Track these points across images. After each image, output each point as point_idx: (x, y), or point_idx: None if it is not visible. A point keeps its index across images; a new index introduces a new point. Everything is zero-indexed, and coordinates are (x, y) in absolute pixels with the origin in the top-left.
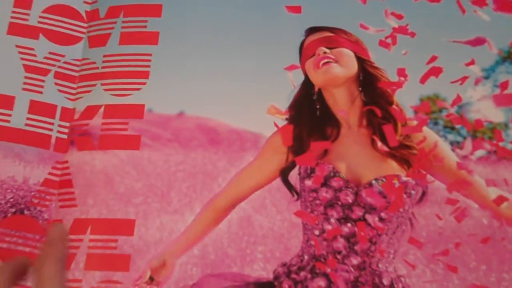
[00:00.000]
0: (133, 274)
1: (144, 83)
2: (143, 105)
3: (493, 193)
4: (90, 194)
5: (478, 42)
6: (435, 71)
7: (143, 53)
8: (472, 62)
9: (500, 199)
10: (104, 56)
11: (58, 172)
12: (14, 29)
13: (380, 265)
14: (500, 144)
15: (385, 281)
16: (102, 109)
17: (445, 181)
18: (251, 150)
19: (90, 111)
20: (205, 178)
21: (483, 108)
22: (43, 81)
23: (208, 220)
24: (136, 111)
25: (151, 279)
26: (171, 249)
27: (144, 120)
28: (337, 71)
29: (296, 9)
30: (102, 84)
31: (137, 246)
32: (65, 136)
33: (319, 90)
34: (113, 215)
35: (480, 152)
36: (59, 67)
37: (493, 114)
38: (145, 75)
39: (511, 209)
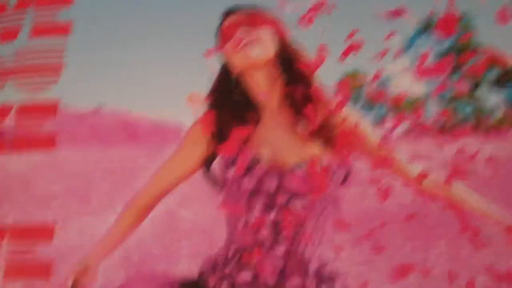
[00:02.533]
0: (56, 280)
1: (57, 78)
2: (58, 101)
3: (416, 169)
4: (6, 199)
5: (398, 13)
6: (355, 47)
7: (56, 45)
8: (391, 35)
9: (422, 175)
10: (15, 50)
11: None
12: None
13: (306, 252)
14: (421, 118)
15: (312, 267)
16: (15, 108)
17: (368, 159)
18: (172, 142)
19: (3, 111)
20: (125, 176)
21: (404, 81)
22: None
23: (130, 220)
24: (51, 108)
25: (75, 285)
26: (93, 253)
27: (59, 118)
28: (256, 53)
29: None
30: (14, 80)
31: (58, 251)
32: None
33: (239, 73)
34: (31, 220)
35: (402, 128)
36: None
37: (414, 87)
38: (59, 68)
39: (433, 185)
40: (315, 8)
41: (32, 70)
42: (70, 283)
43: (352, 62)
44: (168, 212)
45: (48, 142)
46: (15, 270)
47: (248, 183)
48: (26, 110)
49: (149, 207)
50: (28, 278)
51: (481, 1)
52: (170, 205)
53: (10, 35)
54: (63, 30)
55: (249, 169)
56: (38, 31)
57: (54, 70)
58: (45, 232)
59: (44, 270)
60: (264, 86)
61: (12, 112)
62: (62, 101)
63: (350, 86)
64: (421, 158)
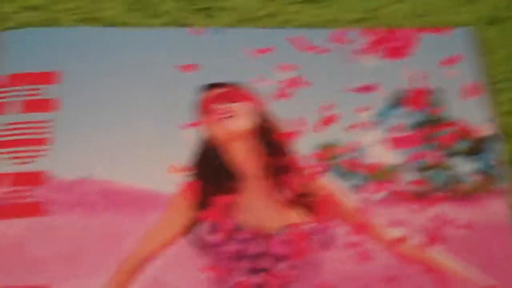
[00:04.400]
0: None
1: (46, 150)
2: (47, 171)
3: (395, 233)
4: None
5: (369, 88)
6: (330, 119)
7: (45, 120)
8: (365, 108)
9: (400, 240)
10: (6, 124)
11: None
12: None
13: None
14: (397, 185)
15: None
16: (5, 178)
17: (347, 225)
18: (154, 210)
19: None
20: (111, 240)
21: (379, 151)
22: None
23: (122, 281)
24: (41, 177)
25: None
26: None
27: (50, 186)
28: (235, 126)
29: (191, 67)
30: (1, 153)
31: None
32: None
33: (218, 144)
34: (24, 283)
35: (379, 195)
36: None
37: (389, 157)
38: (49, 141)
39: (413, 248)
40: (290, 83)
41: (22, 143)
42: None
43: (328, 134)
44: (153, 277)
45: (39, 209)
46: None
47: (232, 249)
48: (17, 180)
49: (136, 271)
50: None
51: (452, 75)
52: (155, 269)
53: (1, 109)
54: (52, 106)
55: (232, 235)
56: (29, 106)
57: (43, 143)
58: None
59: None
60: (243, 157)
61: (4, 181)
62: (51, 171)
63: (327, 156)
64: (399, 223)
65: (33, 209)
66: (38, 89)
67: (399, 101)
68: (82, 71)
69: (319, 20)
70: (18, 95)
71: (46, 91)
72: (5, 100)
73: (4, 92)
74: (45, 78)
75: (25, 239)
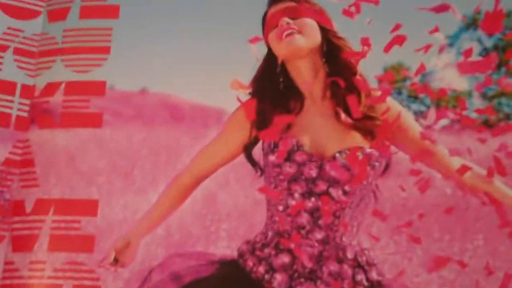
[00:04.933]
0: (97, 255)
1: (105, 59)
2: (104, 82)
3: (456, 162)
4: (52, 173)
5: (443, 8)
6: (399, 40)
7: (104, 28)
8: (436, 29)
9: (463, 169)
10: (64, 30)
11: (19, 151)
12: None
13: (344, 239)
14: (464, 112)
15: (349, 255)
16: (63, 86)
17: (409, 151)
18: (215, 126)
19: (51, 88)
20: (168, 156)
21: (447, 76)
22: (1, 57)
23: (172, 199)
24: (98, 87)
25: (116, 260)
26: (135, 229)
27: (106, 97)
28: (300, 42)
29: None
30: (63, 60)
31: (101, 226)
32: (25, 114)
33: (283, 62)
34: (76, 195)
35: (444, 122)
36: (19, 42)
37: (457, 82)
38: (106, 50)
39: (474, 179)
40: (360, 0)
41: (80, 51)
42: (111, 257)
43: (396, 55)
44: (208, 194)
45: (95, 120)
46: (59, 243)
47: (289, 169)
48: (73, 89)
49: (191, 188)
50: (71, 251)
51: None
52: (211, 187)
53: (60, 15)
54: (111, 13)
55: (290, 156)
56: (87, 13)
57: (101, 51)
58: (89, 207)
59: (87, 244)
60: (307, 75)
61: (60, 90)
62: (108, 81)
63: (393, 78)
64: (463, 152)
65: (90, 120)
66: None
67: (473, 23)
68: None
69: None
70: (76, 1)
71: None
72: (63, 5)
73: None
74: None
75: (81, 150)
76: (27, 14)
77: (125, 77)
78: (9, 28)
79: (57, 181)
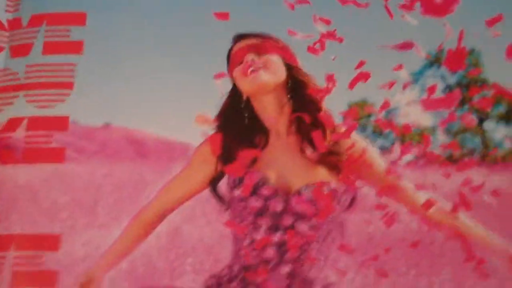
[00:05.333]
0: None
1: (68, 94)
2: (67, 117)
3: (422, 197)
4: (14, 209)
5: (406, 46)
6: (363, 76)
7: (67, 63)
8: (400, 67)
9: (429, 204)
10: (27, 66)
11: None
12: None
13: (311, 273)
14: (428, 148)
15: None
16: (25, 121)
17: (374, 186)
18: (180, 161)
19: (13, 123)
20: (132, 191)
21: (411, 112)
22: None
23: (136, 233)
24: (61, 123)
25: None
26: (99, 264)
27: (69, 132)
28: (265, 78)
29: (224, 16)
30: (25, 96)
31: (64, 261)
32: None
33: (248, 98)
34: (38, 231)
35: (409, 157)
36: None
37: (421, 118)
38: (70, 85)
39: (440, 213)
40: (324, 37)
41: (43, 86)
42: None
43: (361, 91)
44: (173, 228)
45: (57, 155)
46: (21, 279)
47: (254, 204)
48: (36, 124)
49: (155, 223)
50: (35, 287)
51: (494, 35)
52: (176, 221)
53: (22, 51)
54: (75, 48)
55: (255, 190)
56: (50, 48)
57: (64, 87)
58: (51, 243)
59: (49, 280)
60: (272, 111)
61: (22, 125)
62: (71, 116)
63: (358, 114)
64: (427, 187)
65: (53, 155)
66: (61, 30)
67: (436, 60)
68: (108, 13)
69: None
70: (39, 36)
71: (69, 33)
72: (26, 41)
73: (25, 33)
74: (69, 19)
75: (43, 185)
76: None
77: (88, 112)
78: None
79: (18, 217)
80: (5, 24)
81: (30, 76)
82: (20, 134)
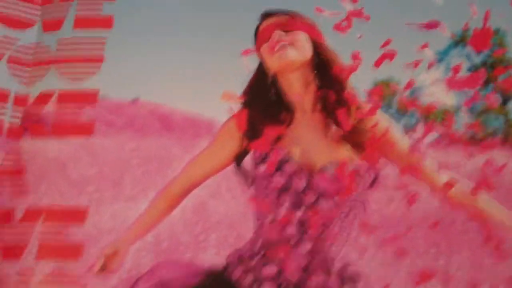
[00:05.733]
0: (86, 262)
1: (98, 68)
2: (97, 91)
3: (444, 177)
4: (43, 181)
5: (432, 25)
6: (389, 55)
7: (97, 38)
8: (425, 46)
9: (450, 183)
10: (59, 40)
11: (11, 160)
12: None
13: (331, 251)
14: (452, 128)
15: (336, 266)
16: (56, 95)
17: (397, 165)
18: (205, 136)
19: (44, 97)
20: (159, 165)
21: (436, 92)
22: None
23: (161, 207)
24: (90, 97)
25: (103, 267)
26: (124, 236)
27: (98, 106)
28: (292, 56)
29: None
30: (56, 69)
31: (90, 234)
32: (18, 123)
33: (274, 74)
34: (66, 203)
35: (432, 136)
36: (13, 51)
37: (446, 97)
38: (100, 60)
39: (461, 194)
40: (351, 16)
41: (74, 60)
42: (99, 264)
43: (386, 70)
44: (198, 202)
45: (86, 129)
46: (47, 251)
47: (278, 181)
48: (66, 98)
49: (180, 197)
50: (60, 259)
51: None
52: (201, 196)
53: (55, 25)
54: (105, 23)
55: (279, 167)
56: (81, 23)
57: (94, 61)
58: (78, 215)
59: (75, 251)
60: (298, 88)
61: (53, 99)
62: (101, 91)
63: (383, 93)
64: (449, 167)
65: (82, 129)
66: (92, 4)
67: (462, 40)
68: None
69: None
70: (71, 11)
71: (100, 8)
72: (58, 15)
73: (57, 7)
74: None
75: (73, 158)
76: (22, 23)
77: (118, 87)
78: (4, 36)
79: (47, 189)
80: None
81: (61, 50)
82: (50, 107)
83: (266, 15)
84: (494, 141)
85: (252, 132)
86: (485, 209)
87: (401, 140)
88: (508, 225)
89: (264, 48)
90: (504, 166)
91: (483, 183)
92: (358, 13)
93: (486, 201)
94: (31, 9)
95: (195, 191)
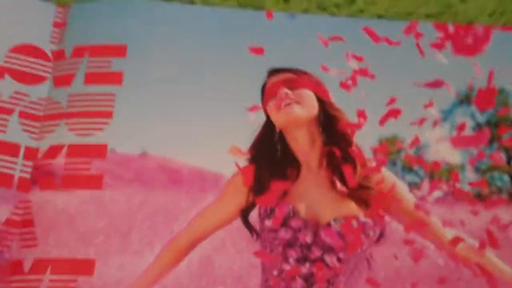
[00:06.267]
0: None
1: (107, 123)
2: (106, 145)
3: (449, 234)
4: (52, 233)
5: (437, 84)
6: (394, 113)
7: (107, 93)
8: (430, 104)
9: (456, 240)
10: (69, 95)
11: (21, 212)
12: None
13: None
14: (457, 185)
15: None
16: (65, 149)
17: (402, 221)
18: (212, 190)
19: (54, 151)
20: (166, 218)
21: (441, 149)
22: (7, 120)
23: (168, 260)
24: (99, 151)
25: None
26: None
27: (107, 160)
28: (298, 112)
29: (259, 51)
30: (66, 124)
31: (98, 285)
32: (28, 176)
33: (280, 131)
34: (74, 255)
35: (437, 194)
36: (24, 106)
37: (451, 155)
38: (109, 115)
39: (467, 250)
40: (356, 74)
41: (83, 115)
42: None
43: (391, 128)
44: (205, 256)
45: (95, 182)
46: None
47: (284, 235)
48: (75, 151)
49: (187, 250)
50: None
51: None
52: (207, 250)
53: (65, 81)
54: (115, 79)
55: (286, 221)
56: (92, 78)
57: (104, 115)
58: (86, 267)
59: None
60: (304, 144)
61: (62, 152)
62: (109, 144)
63: (388, 150)
64: (455, 224)
65: (91, 182)
66: (101, 61)
67: (466, 99)
68: (147, 46)
69: (394, 11)
70: (81, 67)
71: (109, 64)
72: (69, 72)
73: (68, 64)
74: (110, 51)
75: (80, 211)
76: (34, 79)
77: (126, 141)
78: (15, 92)
79: (56, 241)
80: (50, 55)
81: (71, 105)
82: (60, 161)
83: (273, 72)
84: (500, 199)
85: (258, 187)
86: (491, 266)
87: (407, 196)
88: None
89: (271, 104)
90: (510, 224)
91: (488, 240)
92: (363, 72)
93: (492, 258)
94: (42, 65)
95: (201, 245)
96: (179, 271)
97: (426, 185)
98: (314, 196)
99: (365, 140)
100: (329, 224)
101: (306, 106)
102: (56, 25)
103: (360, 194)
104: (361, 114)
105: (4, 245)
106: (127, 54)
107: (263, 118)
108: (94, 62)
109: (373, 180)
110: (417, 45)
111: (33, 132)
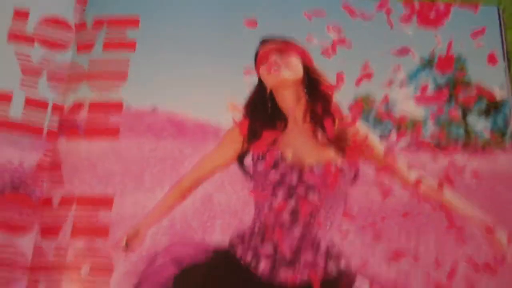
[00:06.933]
0: (112, 241)
1: (122, 84)
2: (121, 102)
3: (413, 175)
4: (76, 176)
5: (404, 52)
6: (367, 75)
7: (122, 59)
8: (398, 68)
9: (418, 181)
10: (90, 60)
11: (49, 158)
12: (13, 38)
13: (318, 234)
14: (420, 136)
15: (323, 247)
16: (87, 105)
17: (374, 165)
18: (213, 140)
19: (77, 106)
20: (173, 163)
21: (407, 106)
22: (37, 81)
23: (175, 196)
24: (116, 106)
25: (126, 245)
26: (144, 221)
27: (123, 115)
28: (286, 75)
29: (253, 23)
30: (87, 84)
31: (115, 218)
32: (55, 128)
33: (271, 91)
34: (95, 192)
35: (403, 143)
36: (51, 69)
37: (415, 111)
38: (124, 76)
39: (428, 189)
40: (336, 43)
41: (102, 77)
42: (123, 242)
43: (365, 88)
44: (206, 194)
45: (113, 133)
46: (80, 231)
47: (274, 176)
48: (96, 107)
49: (191, 189)
50: (90, 237)
51: (477, 46)
52: (208, 189)
53: (87, 47)
54: (129, 46)
55: (275, 165)
56: (109, 46)
57: (120, 77)
58: (105, 203)
59: (103, 232)
60: (291, 102)
61: (85, 108)
62: (125, 102)
63: (362, 106)
64: (418, 167)
65: (109, 133)
66: (118, 31)
67: (429, 64)
68: (158, 16)
69: None
70: (100, 37)
71: (124, 34)
72: (89, 40)
73: (89, 34)
74: (125, 22)
75: (100, 157)
76: (59, 46)
77: (139, 98)
78: (43, 58)
79: (79, 182)
80: (73, 26)
81: (92, 68)
82: (82, 115)
83: (264, 42)
84: (456, 147)
85: (252, 136)
86: (448, 201)
87: (378, 145)
88: (467, 215)
89: (263, 69)
90: (463, 168)
91: (446, 180)
92: (341, 41)
93: (449, 195)
94: (66, 34)
95: (203, 185)
96: (185, 207)
97: (394, 135)
98: (299, 144)
99: (343, 99)
100: (311, 168)
101: (293, 70)
102: (78, 1)
103: (338, 143)
104: (340, 77)
105: (36, 185)
106: (140, 25)
107: (256, 80)
108: (111, 32)
109: (349, 132)
110: (388, 19)
111: (59, 91)
